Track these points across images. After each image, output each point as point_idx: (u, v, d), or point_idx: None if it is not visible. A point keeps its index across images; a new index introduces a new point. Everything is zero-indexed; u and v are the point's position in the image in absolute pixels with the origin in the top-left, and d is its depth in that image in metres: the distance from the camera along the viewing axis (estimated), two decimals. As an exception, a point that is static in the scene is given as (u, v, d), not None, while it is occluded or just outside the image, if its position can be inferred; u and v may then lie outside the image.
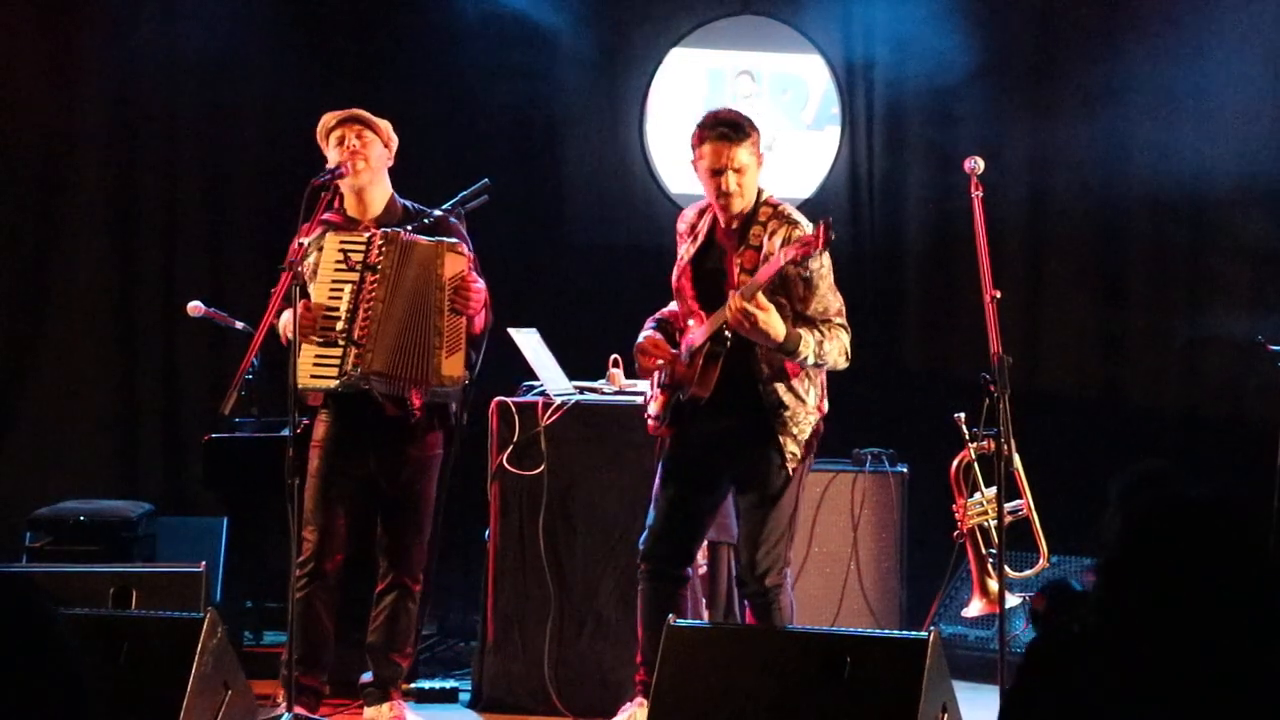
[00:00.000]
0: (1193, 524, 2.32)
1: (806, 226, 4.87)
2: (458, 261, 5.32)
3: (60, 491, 6.95)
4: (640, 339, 5.18)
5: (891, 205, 7.66)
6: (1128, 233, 7.50)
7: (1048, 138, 7.42)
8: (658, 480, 5.17)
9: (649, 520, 5.17)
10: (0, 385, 7.66)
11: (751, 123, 4.99)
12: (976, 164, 5.01)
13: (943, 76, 7.39)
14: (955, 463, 5.27)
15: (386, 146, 5.45)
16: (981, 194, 4.99)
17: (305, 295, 5.21)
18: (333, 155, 5.39)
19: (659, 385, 5.19)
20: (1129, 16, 7.39)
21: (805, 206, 7.54)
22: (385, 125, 5.45)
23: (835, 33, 7.67)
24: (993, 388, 4.86)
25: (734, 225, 5.01)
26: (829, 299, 4.94)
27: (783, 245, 4.81)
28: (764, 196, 5.02)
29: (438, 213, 5.51)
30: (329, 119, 5.44)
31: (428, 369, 5.26)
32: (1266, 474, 6.43)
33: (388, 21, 7.70)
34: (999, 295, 4.93)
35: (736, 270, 4.94)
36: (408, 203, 5.53)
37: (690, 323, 5.09)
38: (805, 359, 4.86)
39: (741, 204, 4.96)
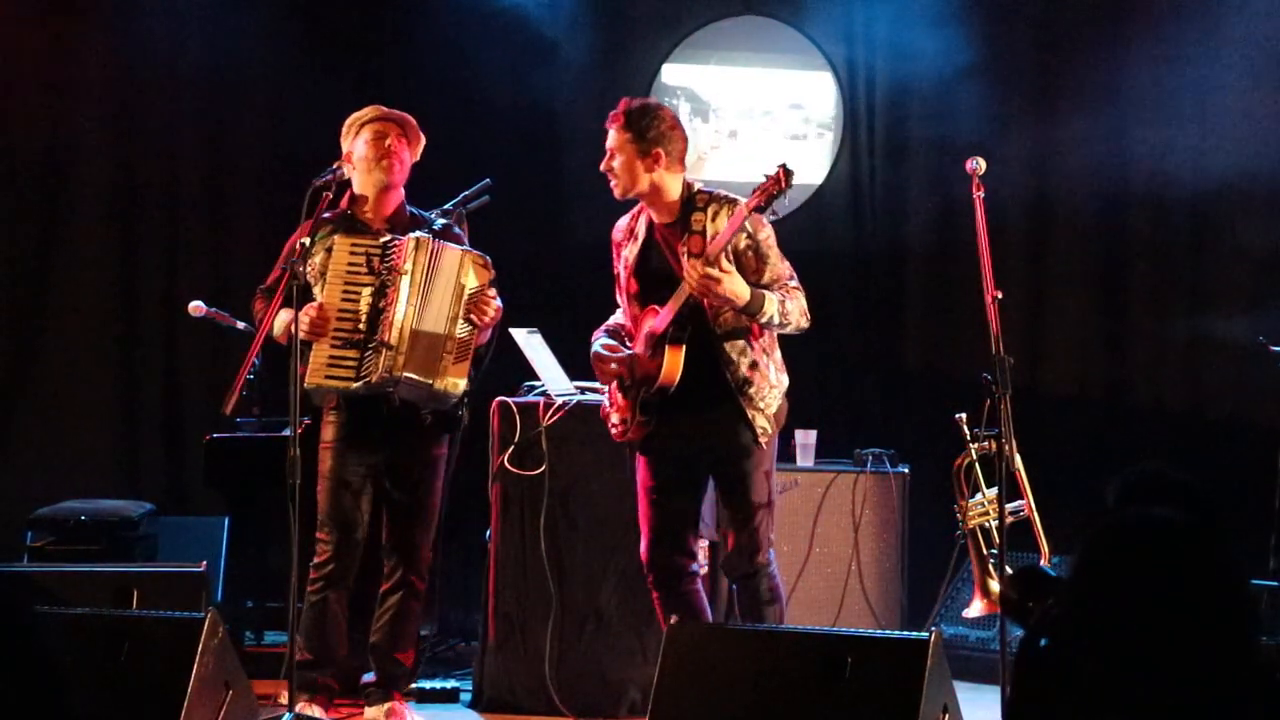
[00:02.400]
0: (1149, 545, 2.32)
1: (744, 200, 4.92)
2: (481, 274, 5.34)
3: (61, 491, 6.95)
4: (595, 348, 5.22)
5: (892, 205, 7.66)
6: (1128, 233, 7.50)
7: (1048, 138, 7.43)
8: (638, 485, 5.18)
9: (642, 530, 5.18)
10: (2, 385, 7.66)
11: (631, 112, 5.11)
12: (977, 164, 5.01)
13: (943, 76, 7.39)
14: (956, 463, 5.27)
15: (412, 158, 5.46)
16: (982, 194, 4.99)
17: (307, 295, 5.21)
18: (360, 147, 5.38)
19: (620, 391, 5.19)
20: (1129, 16, 7.39)
21: (807, 206, 7.55)
22: (422, 141, 5.47)
23: (836, 33, 7.67)
24: (994, 388, 4.87)
25: (671, 219, 5.09)
26: (779, 266, 5.02)
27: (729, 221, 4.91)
28: (695, 188, 5.11)
29: (441, 222, 5.52)
30: (371, 111, 5.43)
31: (434, 374, 5.27)
32: (1267, 474, 6.44)
33: (390, 22, 7.70)
34: (1000, 296, 4.93)
35: (684, 256, 4.98)
36: (414, 210, 5.53)
37: (642, 318, 5.12)
38: (771, 319, 4.92)
39: (620, 189, 5.10)
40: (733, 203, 4.99)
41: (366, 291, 5.27)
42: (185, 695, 4.61)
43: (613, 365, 5.16)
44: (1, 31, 7.56)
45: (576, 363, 6.05)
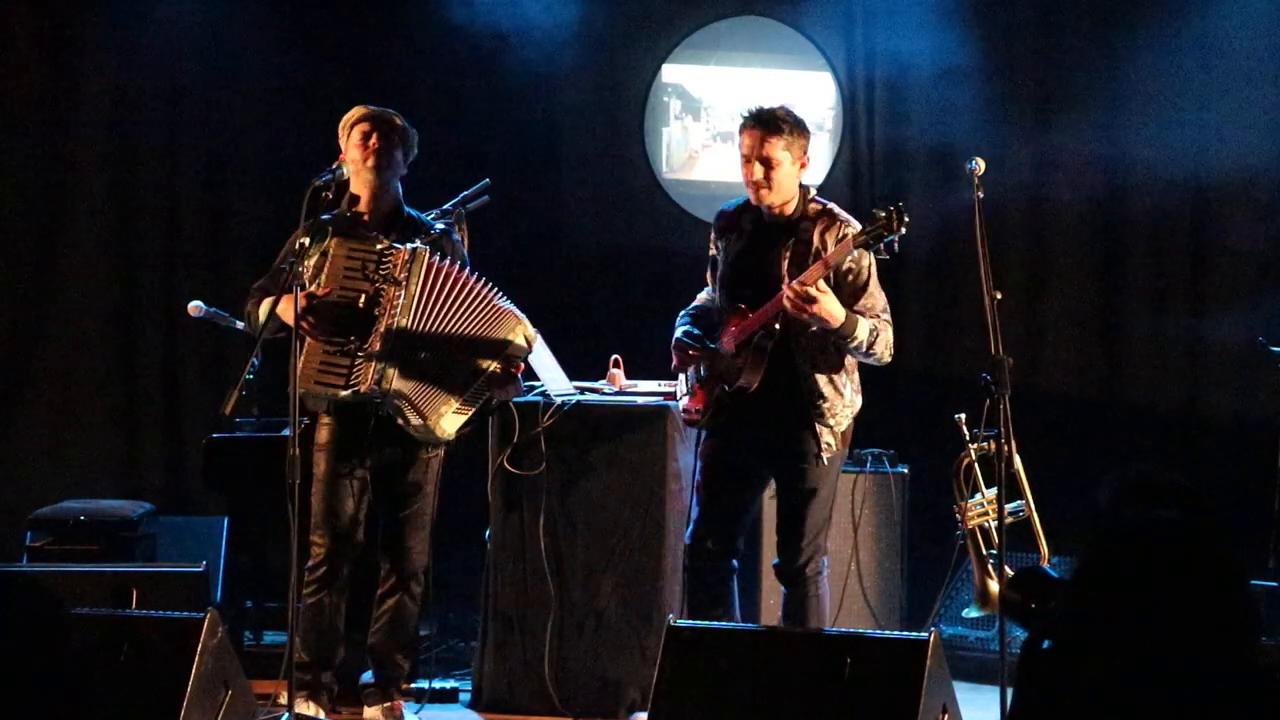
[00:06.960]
0: (1155, 544, 2.33)
1: (856, 226, 5.00)
2: (524, 343, 5.34)
3: (61, 491, 6.94)
4: (677, 334, 5.27)
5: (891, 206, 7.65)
6: (1128, 233, 7.50)
7: (1048, 138, 7.42)
8: (698, 473, 5.25)
9: (692, 513, 5.26)
10: (2, 385, 7.66)
11: (790, 120, 5.07)
12: (977, 165, 5.01)
13: (944, 76, 7.38)
14: (956, 463, 5.27)
15: (404, 155, 5.43)
16: (982, 195, 4.99)
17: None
18: (350, 148, 5.37)
19: (697, 380, 5.23)
20: (1129, 16, 7.39)
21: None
22: (413, 135, 5.44)
23: (836, 33, 7.67)
24: (994, 388, 4.87)
25: (781, 221, 5.09)
26: (876, 296, 5.08)
27: (838, 241, 4.95)
28: (811, 194, 5.14)
29: (440, 226, 5.50)
30: (357, 113, 5.42)
31: (432, 411, 5.25)
32: (1267, 475, 6.44)
33: (388, 22, 7.69)
34: (999, 296, 4.93)
35: (785, 263, 5.01)
36: (412, 211, 5.51)
37: (731, 316, 5.15)
38: (859, 345, 4.98)
39: (772, 197, 5.07)
40: (845, 223, 5.04)
41: (362, 299, 5.25)
42: (184, 695, 4.61)
43: (692, 354, 5.20)
44: (2, 34, 7.56)
45: (576, 363, 6.05)
